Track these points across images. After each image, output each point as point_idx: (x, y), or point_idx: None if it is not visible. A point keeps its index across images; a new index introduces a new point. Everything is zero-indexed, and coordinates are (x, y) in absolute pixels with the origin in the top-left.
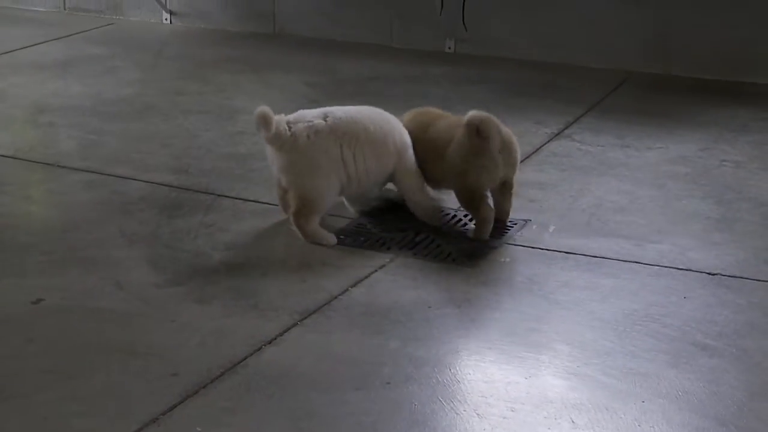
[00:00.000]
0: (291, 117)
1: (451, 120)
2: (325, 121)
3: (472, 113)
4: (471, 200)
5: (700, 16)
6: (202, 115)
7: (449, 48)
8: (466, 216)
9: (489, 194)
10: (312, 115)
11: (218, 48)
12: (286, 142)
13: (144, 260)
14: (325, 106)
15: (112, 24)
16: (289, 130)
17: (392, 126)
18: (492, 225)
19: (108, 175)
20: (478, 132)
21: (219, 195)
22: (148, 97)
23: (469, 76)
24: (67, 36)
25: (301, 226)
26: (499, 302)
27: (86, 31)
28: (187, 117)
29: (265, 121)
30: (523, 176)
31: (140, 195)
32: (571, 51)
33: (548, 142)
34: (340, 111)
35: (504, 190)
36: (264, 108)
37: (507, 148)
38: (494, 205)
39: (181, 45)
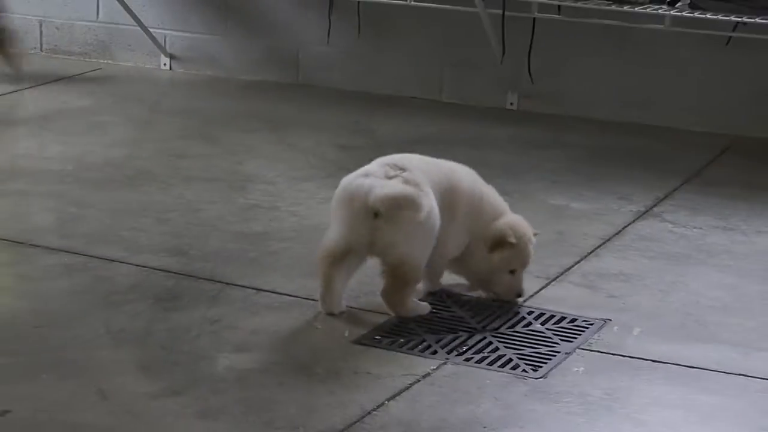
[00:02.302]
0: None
1: None
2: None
3: None
4: None
5: None
6: (208, 183)
7: (511, 104)
8: (530, 314)
9: None
10: (382, 167)
11: (228, 101)
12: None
13: (134, 364)
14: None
15: (99, 69)
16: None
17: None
18: None
19: (91, 256)
20: None
21: (227, 283)
22: (141, 160)
23: (537, 139)
24: (45, 84)
25: (401, 304)
26: (571, 423)
27: (68, 77)
28: (190, 186)
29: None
30: (601, 265)
31: (130, 282)
32: (662, 110)
33: (633, 222)
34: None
35: None
36: (409, 190)
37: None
38: None
39: (182, 96)
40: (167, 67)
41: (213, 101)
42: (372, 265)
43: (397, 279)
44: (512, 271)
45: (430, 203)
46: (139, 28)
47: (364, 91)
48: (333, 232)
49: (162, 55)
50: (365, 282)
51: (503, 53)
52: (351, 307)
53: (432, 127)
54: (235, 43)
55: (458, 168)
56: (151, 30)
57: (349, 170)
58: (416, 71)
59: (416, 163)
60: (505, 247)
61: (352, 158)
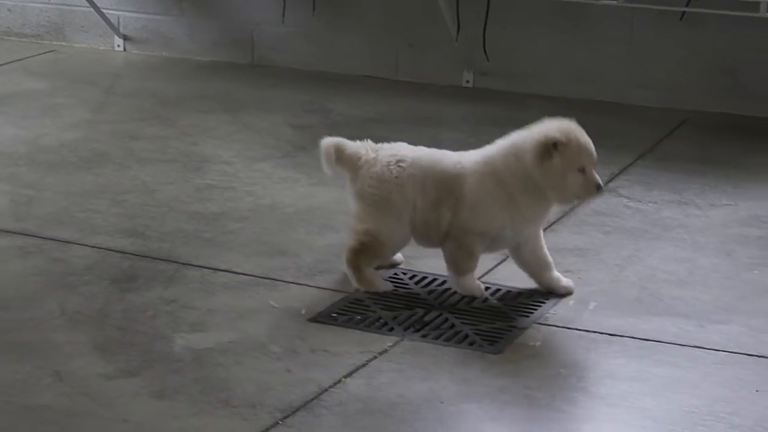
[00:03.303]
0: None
1: None
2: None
3: None
4: None
5: None
6: (163, 164)
7: (467, 82)
8: (487, 289)
9: None
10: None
11: (183, 82)
12: (365, 164)
13: (90, 345)
14: (313, 153)
15: (52, 51)
16: (375, 152)
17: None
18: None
19: (46, 238)
20: None
21: (183, 264)
22: (96, 142)
23: (492, 117)
24: None
25: (356, 269)
26: (529, 397)
27: (21, 60)
28: (145, 167)
29: (333, 155)
30: (557, 240)
31: (86, 264)
32: (616, 86)
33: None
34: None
35: None
36: (332, 140)
37: None
38: None
39: (137, 78)
40: (121, 48)
41: (168, 82)
42: (330, 242)
43: (350, 238)
44: (581, 170)
45: (381, 187)
46: (92, 10)
47: (320, 71)
48: None
49: (116, 37)
50: (321, 260)
51: (458, 31)
52: (307, 285)
53: (388, 105)
54: (189, 23)
55: (463, 157)
56: (104, 11)
57: (305, 149)
58: (371, 50)
59: (417, 154)
60: (557, 149)
61: (308, 138)
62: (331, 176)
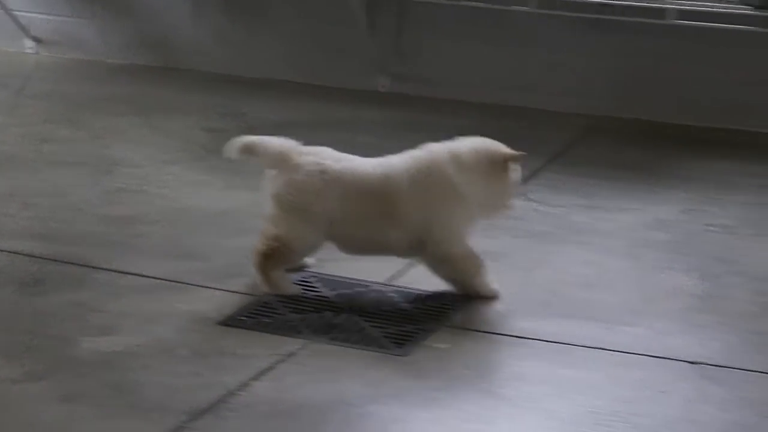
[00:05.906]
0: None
1: None
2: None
3: None
4: None
5: (684, 53)
6: (74, 167)
7: (383, 87)
8: (396, 293)
9: None
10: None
11: (95, 85)
12: (289, 168)
13: None
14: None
15: None
16: (300, 156)
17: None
18: None
19: None
20: None
21: (93, 267)
22: (5, 145)
23: (407, 121)
24: None
25: (266, 272)
26: (435, 399)
27: None
28: (55, 170)
29: (249, 150)
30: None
31: None
32: (527, 92)
33: None
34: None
35: None
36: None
37: None
38: None
39: (48, 80)
40: (32, 51)
41: (79, 85)
42: (241, 245)
43: (260, 242)
44: None
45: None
46: (2, 11)
47: (235, 75)
48: None
49: (26, 38)
50: (232, 264)
51: (373, 35)
52: (217, 288)
53: (303, 109)
54: (101, 26)
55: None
56: (14, 13)
57: (218, 153)
58: (287, 54)
59: (340, 166)
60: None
61: (221, 141)
62: (245, 178)
